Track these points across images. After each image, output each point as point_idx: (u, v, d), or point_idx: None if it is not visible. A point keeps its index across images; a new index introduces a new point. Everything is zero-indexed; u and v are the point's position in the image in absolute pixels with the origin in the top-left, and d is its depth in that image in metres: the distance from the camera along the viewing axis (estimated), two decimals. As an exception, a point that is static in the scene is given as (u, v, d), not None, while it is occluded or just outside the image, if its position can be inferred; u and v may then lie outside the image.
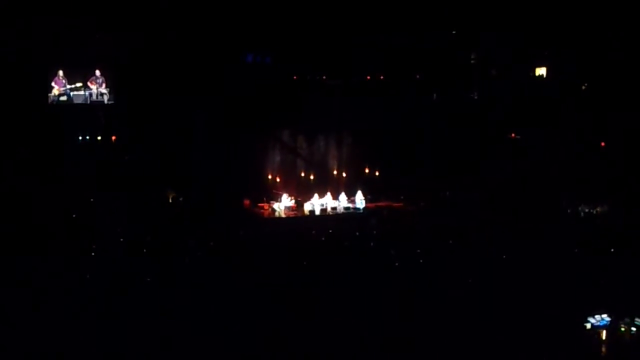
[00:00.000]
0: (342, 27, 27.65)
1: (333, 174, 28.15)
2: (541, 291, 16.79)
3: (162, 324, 15.02)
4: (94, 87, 27.57)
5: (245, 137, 27.06)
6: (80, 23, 26.28)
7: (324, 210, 25.37)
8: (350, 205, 25.69)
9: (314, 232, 22.53)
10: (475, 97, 29.73)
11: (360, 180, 27.05)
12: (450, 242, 20.96)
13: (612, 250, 19.73)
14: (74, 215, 22.65)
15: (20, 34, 25.60)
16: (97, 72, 27.56)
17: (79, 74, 27.46)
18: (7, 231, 19.81)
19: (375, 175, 28.14)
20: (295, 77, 29.11)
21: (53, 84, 27.19)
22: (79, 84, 27.40)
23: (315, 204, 25.40)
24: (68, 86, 27.26)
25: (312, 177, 27.82)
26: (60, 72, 27.15)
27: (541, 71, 29.05)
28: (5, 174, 23.73)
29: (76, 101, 27.44)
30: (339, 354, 14.09)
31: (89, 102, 27.53)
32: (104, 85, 27.68)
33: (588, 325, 15.53)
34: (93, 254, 19.49)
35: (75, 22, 26.20)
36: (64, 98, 27.30)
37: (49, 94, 27.14)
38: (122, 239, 20.78)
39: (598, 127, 26.13)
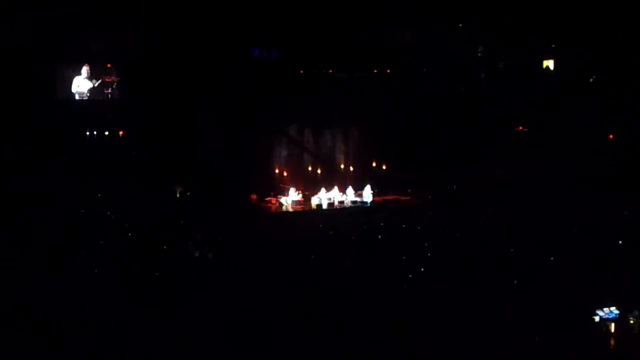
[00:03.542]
0: (348, 21, 27.60)
1: (340, 168, 28.15)
2: (549, 284, 16.77)
3: (169, 320, 15.06)
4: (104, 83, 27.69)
5: (252, 132, 27.09)
6: (90, 20, 26.38)
7: (331, 205, 25.35)
8: (358, 199, 25.69)
9: (321, 226, 22.55)
10: (482, 90, 29.63)
11: (368, 174, 27.03)
12: (458, 235, 20.93)
13: (620, 242, 19.65)
14: (82, 211, 22.73)
15: (30, 32, 25.71)
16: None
17: (90, 70, 27.56)
18: (14, 227, 19.91)
19: (383, 169, 28.11)
20: (301, 72, 29.12)
21: (63, 81, 27.29)
22: (89, 81, 27.51)
23: (323, 198, 25.38)
24: (79, 82, 27.39)
25: (319, 171, 27.83)
26: (70, 70, 27.26)
27: (549, 64, 28.94)
28: (14, 171, 23.83)
29: (86, 97, 27.54)
30: (346, 349, 14.09)
31: (101, 97, 27.65)
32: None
33: (596, 318, 15.49)
34: (100, 249, 19.54)
35: (84, 19, 26.29)
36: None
37: (56, 92, 27.24)
38: (129, 234, 20.85)
39: (606, 120, 26.03)
